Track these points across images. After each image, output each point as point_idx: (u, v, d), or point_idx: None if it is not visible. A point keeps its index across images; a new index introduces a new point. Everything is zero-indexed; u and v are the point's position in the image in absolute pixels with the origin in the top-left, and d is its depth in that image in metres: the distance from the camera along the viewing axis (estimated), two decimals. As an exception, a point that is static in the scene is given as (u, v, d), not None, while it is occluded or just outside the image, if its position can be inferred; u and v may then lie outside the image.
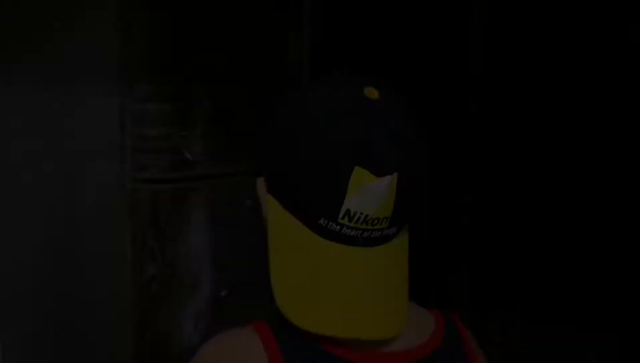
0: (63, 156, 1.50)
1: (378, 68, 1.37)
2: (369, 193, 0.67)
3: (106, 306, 1.49)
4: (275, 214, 0.72)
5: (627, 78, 1.62)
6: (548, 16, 1.70)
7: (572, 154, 1.70)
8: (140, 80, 1.41)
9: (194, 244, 1.51)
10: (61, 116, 1.50)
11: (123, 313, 1.44)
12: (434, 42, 1.83)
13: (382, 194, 0.68)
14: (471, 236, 1.76)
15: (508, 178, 1.74)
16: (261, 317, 0.71)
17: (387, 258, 0.72)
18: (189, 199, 1.49)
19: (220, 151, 1.57)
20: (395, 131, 0.70)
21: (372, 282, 0.72)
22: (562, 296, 1.67)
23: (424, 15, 1.84)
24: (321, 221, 0.68)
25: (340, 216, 0.68)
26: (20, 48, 1.55)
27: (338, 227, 0.68)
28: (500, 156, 1.77)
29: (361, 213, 0.68)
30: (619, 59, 1.63)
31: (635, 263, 1.62)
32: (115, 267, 1.45)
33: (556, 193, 1.72)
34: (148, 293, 1.45)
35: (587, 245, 1.66)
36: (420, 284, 0.82)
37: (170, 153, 1.48)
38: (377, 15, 1.88)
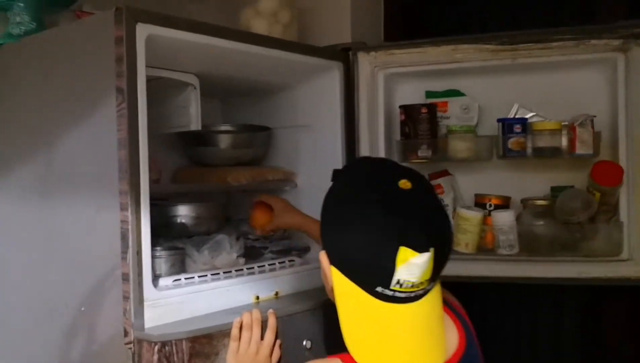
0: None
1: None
2: (413, 265, 0.90)
3: None
4: (339, 281, 0.95)
5: None
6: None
7: None
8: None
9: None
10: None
11: None
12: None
13: (423, 265, 0.91)
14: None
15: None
16: None
17: (429, 305, 0.96)
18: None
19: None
20: (428, 213, 0.95)
21: (419, 330, 0.95)
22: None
23: None
24: (378, 289, 0.92)
25: (392, 284, 0.91)
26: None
27: (391, 292, 0.92)
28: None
29: (408, 281, 0.91)
30: None
31: None
32: None
33: None
34: None
35: None
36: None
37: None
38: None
